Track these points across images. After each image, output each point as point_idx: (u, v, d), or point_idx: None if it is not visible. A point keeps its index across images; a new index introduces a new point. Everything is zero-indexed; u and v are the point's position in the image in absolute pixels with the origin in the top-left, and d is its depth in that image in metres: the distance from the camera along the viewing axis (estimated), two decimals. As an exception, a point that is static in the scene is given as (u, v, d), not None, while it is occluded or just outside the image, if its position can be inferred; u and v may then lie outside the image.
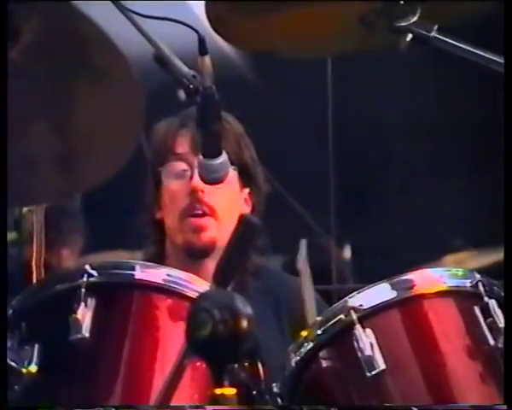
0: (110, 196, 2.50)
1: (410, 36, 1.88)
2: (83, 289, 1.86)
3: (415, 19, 1.90)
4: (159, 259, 2.45)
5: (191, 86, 1.83)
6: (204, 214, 2.41)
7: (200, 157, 1.86)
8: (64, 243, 3.86)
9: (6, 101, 1.78)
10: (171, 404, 1.71)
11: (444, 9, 2.00)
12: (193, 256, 2.35)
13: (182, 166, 2.42)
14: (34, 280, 2.67)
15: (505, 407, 1.80)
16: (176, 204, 2.35)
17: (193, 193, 2.37)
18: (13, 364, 1.84)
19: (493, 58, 1.85)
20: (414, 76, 4.05)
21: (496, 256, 2.24)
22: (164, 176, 2.44)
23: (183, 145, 2.43)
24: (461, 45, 1.85)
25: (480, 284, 1.94)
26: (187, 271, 2.32)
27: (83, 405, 1.83)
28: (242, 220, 1.68)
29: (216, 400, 1.60)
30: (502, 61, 1.84)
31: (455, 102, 5.14)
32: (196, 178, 2.25)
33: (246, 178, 2.47)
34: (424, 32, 1.86)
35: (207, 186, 2.26)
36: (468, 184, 5.19)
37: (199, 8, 1.87)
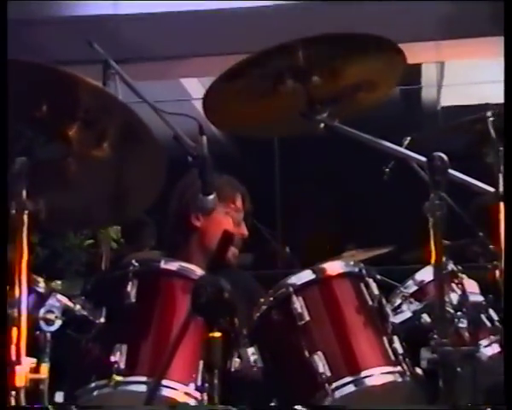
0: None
1: (322, 125, 2.50)
2: (130, 274, 2.44)
3: (325, 115, 2.50)
4: (185, 250, 3.18)
5: (195, 154, 2.41)
6: (235, 250, 3.22)
7: (200, 194, 2.43)
8: (142, 245, 4.81)
9: (6, 101, 2.07)
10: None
11: (346, 109, 2.57)
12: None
13: (235, 212, 3.29)
14: (103, 267, 3.52)
15: (505, 407, 1.91)
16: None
17: (241, 235, 3.25)
18: (91, 318, 2.40)
19: (388, 145, 2.34)
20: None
21: (373, 253, 3.04)
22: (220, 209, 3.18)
23: (238, 200, 3.31)
24: (358, 133, 2.39)
25: (363, 270, 2.57)
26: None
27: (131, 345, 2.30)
28: (225, 233, 2.30)
29: (208, 340, 1.99)
30: (391, 145, 2.34)
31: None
32: (244, 225, 3.27)
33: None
34: (330, 123, 2.47)
35: (244, 233, 3.25)
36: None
37: (199, 105, 2.55)
